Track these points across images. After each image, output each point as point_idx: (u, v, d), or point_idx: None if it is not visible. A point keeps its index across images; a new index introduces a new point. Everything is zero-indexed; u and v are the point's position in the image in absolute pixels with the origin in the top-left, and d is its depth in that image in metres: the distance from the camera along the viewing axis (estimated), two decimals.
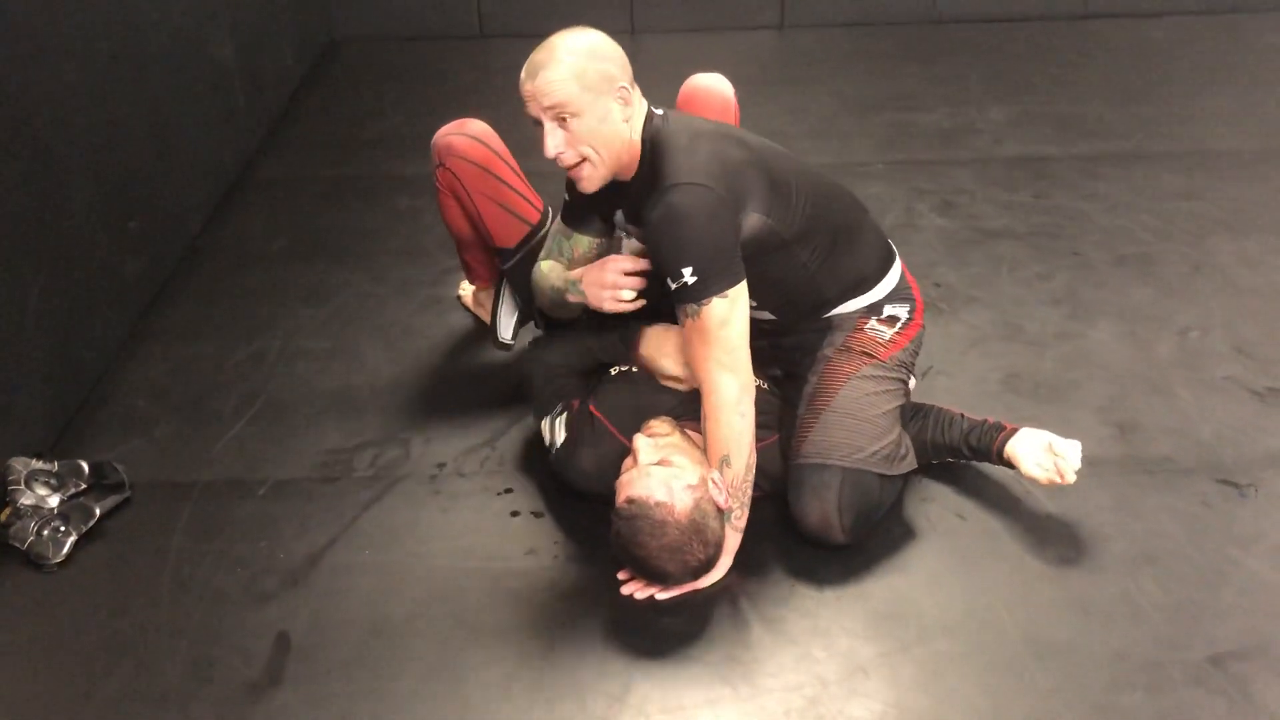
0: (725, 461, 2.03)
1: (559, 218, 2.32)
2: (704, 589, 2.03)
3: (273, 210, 3.48)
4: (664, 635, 1.97)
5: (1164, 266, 3.04)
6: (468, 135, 2.44)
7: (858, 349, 2.19)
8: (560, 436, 2.19)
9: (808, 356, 2.20)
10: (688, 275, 1.96)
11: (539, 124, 2.01)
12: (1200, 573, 2.07)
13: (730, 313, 2.00)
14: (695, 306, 1.99)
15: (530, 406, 2.38)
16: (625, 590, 2.04)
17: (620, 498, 1.98)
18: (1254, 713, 1.80)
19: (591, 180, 2.06)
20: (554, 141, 2.00)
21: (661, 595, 2.02)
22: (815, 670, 1.91)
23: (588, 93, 1.96)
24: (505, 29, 4.80)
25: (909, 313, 2.26)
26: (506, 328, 2.57)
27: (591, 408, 2.22)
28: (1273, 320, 2.79)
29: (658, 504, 1.92)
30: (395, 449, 2.44)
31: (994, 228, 3.27)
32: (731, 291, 1.99)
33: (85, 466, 2.29)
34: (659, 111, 2.09)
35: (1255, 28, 4.68)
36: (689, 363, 2.08)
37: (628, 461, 2.05)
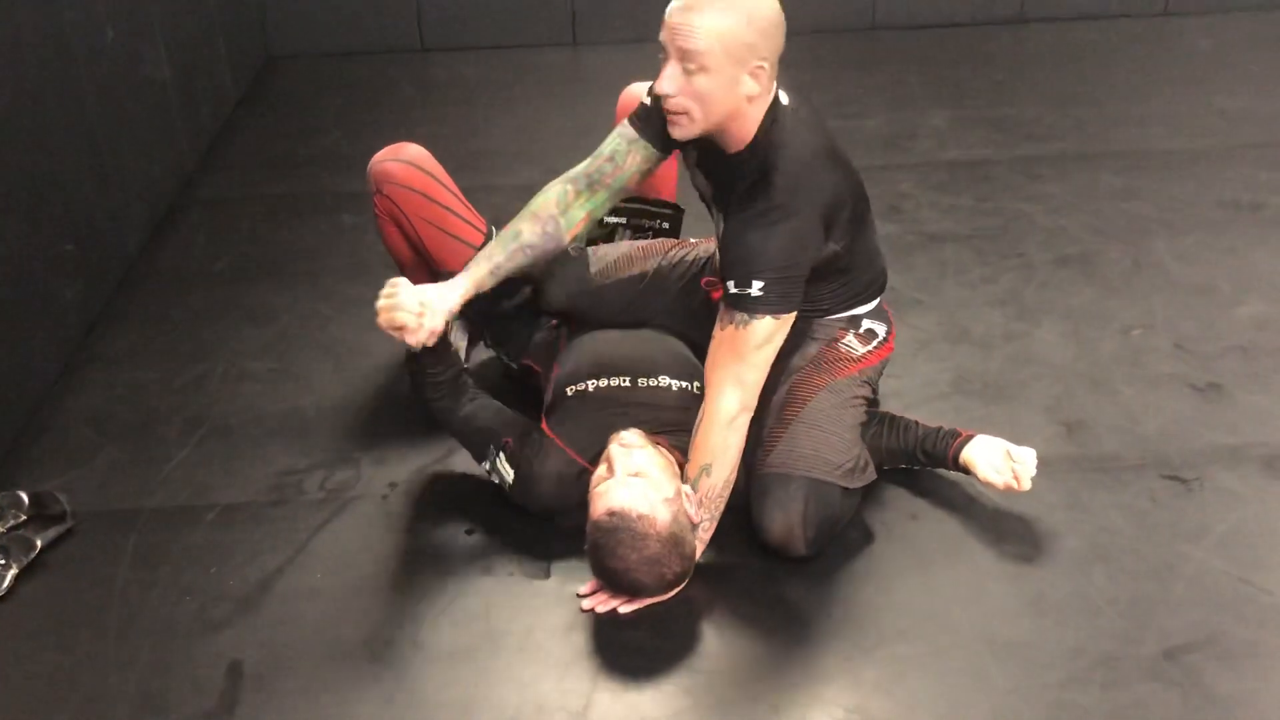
0: (706, 470, 2.03)
1: (627, 119, 2.16)
2: (664, 600, 2.02)
3: (213, 230, 3.42)
4: (624, 649, 1.96)
5: (1105, 266, 3.09)
6: (404, 161, 2.40)
7: (829, 362, 2.20)
8: (509, 475, 2.16)
9: (775, 365, 2.16)
10: (755, 288, 1.94)
11: (664, 54, 1.91)
12: (1151, 567, 2.10)
13: (773, 336, 2.00)
14: (745, 317, 1.97)
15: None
16: (586, 605, 2.02)
17: (598, 508, 1.95)
18: (1208, 703, 1.83)
19: (684, 133, 1.99)
20: (671, 82, 1.91)
21: (625, 609, 2.01)
22: (776, 678, 1.91)
23: (726, 56, 1.87)
24: (447, 42, 4.76)
25: (885, 332, 2.28)
26: (459, 350, 2.55)
27: (544, 427, 2.20)
28: (1211, 317, 2.85)
29: (640, 516, 1.91)
30: (346, 470, 2.41)
31: (937, 231, 3.30)
32: (784, 316, 1.99)
33: (25, 497, 2.23)
34: (786, 102, 2.01)
35: (1183, 30, 4.78)
36: (708, 365, 2.05)
37: (601, 471, 2.02)
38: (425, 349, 2.11)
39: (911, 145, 3.84)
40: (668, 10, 1.91)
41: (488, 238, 2.44)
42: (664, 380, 2.23)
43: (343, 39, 4.81)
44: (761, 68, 1.91)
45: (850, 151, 2.18)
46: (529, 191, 2.39)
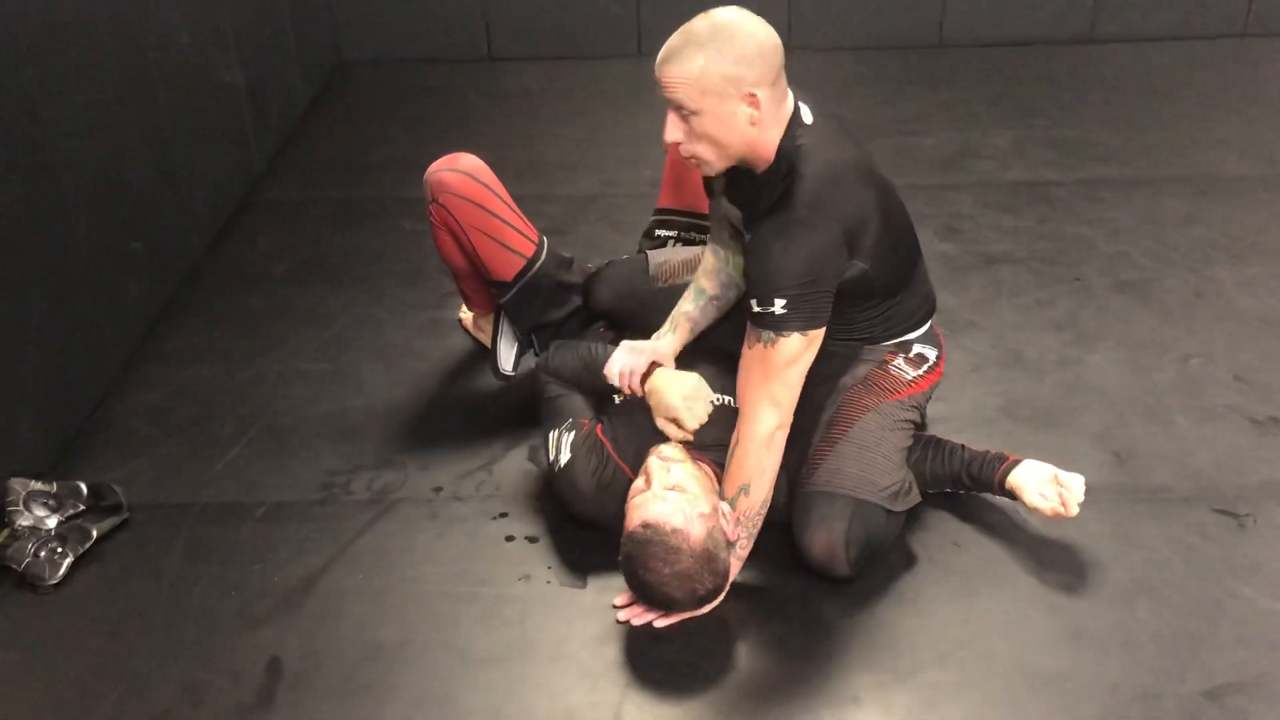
0: (744, 490, 2.03)
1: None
2: (699, 616, 2.03)
3: (276, 232, 3.50)
4: (656, 663, 1.97)
5: (1165, 293, 3.03)
6: (460, 171, 2.44)
7: (878, 384, 2.19)
8: (565, 455, 2.18)
9: (824, 385, 2.17)
10: (778, 305, 1.94)
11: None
12: (1197, 604, 2.05)
13: (802, 353, 1.99)
14: (771, 335, 1.97)
15: (531, 426, 2.36)
16: (622, 617, 2.03)
17: (634, 520, 1.96)
18: None
19: (708, 170, 2.03)
20: (671, 131, 1.96)
21: (660, 623, 2.01)
22: (808, 700, 1.90)
23: (708, 96, 1.90)
24: (514, 52, 4.82)
25: (935, 356, 2.27)
26: (507, 359, 2.58)
27: (599, 431, 2.22)
28: (1273, 348, 2.78)
29: (674, 530, 1.92)
30: (392, 472, 2.45)
31: (995, 252, 3.26)
32: (812, 333, 1.98)
33: (84, 488, 2.30)
34: (808, 120, 2.02)
35: (1263, 52, 4.67)
36: (740, 385, 2.06)
37: (639, 484, 2.04)
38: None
39: (973, 164, 3.80)
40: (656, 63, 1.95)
41: (539, 248, 2.47)
42: None
43: (412, 46, 4.89)
44: (754, 95, 1.91)
45: (910, 169, 2.16)
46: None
